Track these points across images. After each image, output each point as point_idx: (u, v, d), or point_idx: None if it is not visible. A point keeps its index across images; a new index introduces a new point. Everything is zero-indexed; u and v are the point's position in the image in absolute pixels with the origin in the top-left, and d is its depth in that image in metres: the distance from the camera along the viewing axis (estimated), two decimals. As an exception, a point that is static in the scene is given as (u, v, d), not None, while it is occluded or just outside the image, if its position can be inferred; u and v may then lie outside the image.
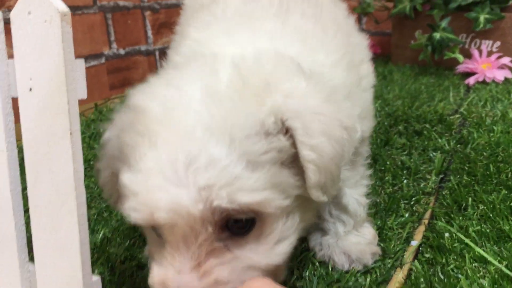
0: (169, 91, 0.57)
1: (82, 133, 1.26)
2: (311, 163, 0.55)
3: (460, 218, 0.84)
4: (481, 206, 0.86)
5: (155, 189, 0.51)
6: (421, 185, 0.96)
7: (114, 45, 1.59)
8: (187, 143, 0.52)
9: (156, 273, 0.56)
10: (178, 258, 0.54)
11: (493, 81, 1.60)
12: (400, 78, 1.74)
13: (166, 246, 0.55)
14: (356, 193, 0.77)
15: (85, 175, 1.05)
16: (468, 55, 1.74)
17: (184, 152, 0.51)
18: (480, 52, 1.72)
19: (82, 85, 0.54)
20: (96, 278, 0.59)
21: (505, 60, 1.65)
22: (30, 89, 0.54)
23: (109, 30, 1.56)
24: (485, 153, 0.99)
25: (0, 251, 0.61)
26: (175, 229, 0.53)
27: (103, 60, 1.54)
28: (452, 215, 0.85)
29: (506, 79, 1.61)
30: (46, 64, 0.52)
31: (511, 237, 0.78)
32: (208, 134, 0.52)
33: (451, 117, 1.11)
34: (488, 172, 0.94)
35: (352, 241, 0.77)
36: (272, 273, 0.58)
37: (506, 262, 0.71)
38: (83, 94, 0.54)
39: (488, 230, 0.79)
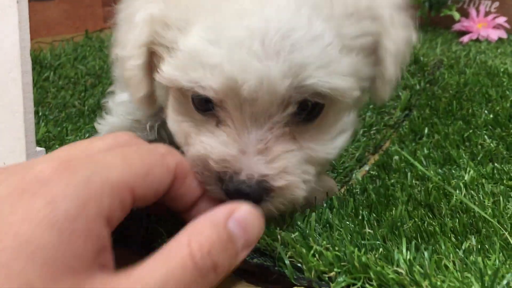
0: None
1: (68, 54, 1.29)
2: (391, 55, 0.54)
3: (413, 144, 0.86)
4: (436, 136, 0.88)
5: (241, 63, 0.46)
6: (385, 119, 0.98)
7: (111, -22, 1.61)
8: (283, 11, 0.47)
9: (216, 150, 0.50)
10: (244, 137, 0.49)
11: (487, 40, 1.59)
12: (395, 33, 1.73)
13: (228, 123, 0.50)
14: None
15: (63, 88, 1.09)
16: (466, 15, 1.72)
17: (279, 22, 0.46)
18: (478, 11, 1.70)
19: (29, -44, 0.56)
20: (40, 149, 0.63)
21: (501, 20, 1.63)
22: (-18, -42, 0.57)
23: (106, -38, 1.57)
24: (451, 91, 1.00)
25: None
26: (247, 105, 0.48)
27: (98, -9, 1.57)
28: (407, 143, 0.87)
29: (500, 38, 1.60)
30: None
31: (457, 162, 0.80)
32: (311, 5, 0.48)
33: (425, 59, 1.12)
34: (450, 107, 0.95)
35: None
36: (322, 169, 0.57)
37: (444, 180, 0.73)
38: (31, -35, 0.56)
39: (436, 156, 0.82)
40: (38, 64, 1.20)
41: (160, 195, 0.42)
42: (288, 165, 0.50)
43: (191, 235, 0.38)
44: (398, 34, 0.55)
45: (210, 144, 0.50)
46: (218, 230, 0.39)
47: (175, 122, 0.57)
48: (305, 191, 0.53)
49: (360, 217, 0.60)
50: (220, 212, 0.40)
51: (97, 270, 0.35)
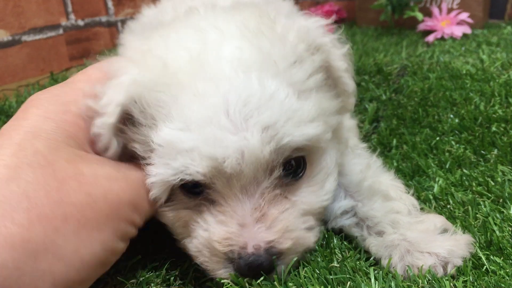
0: (201, 33, 0.53)
1: (34, 100, 1.28)
2: (344, 71, 0.58)
3: (383, 158, 0.86)
4: (405, 147, 0.88)
5: (215, 140, 0.47)
6: (354, 132, 0.98)
7: (72, 16, 1.60)
8: (236, 82, 0.49)
9: (216, 231, 0.50)
10: (239, 211, 0.50)
11: (451, 37, 1.60)
12: (362, 39, 1.74)
13: (220, 202, 0.51)
14: (386, 178, 0.70)
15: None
16: (429, 14, 1.74)
17: (235, 92, 0.48)
18: (440, 9, 1.72)
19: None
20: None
21: (464, 15, 1.65)
22: None
23: (65, 0, 1.56)
24: (416, 99, 1.00)
25: None
26: (234, 180, 0.49)
27: (60, 31, 1.55)
28: (377, 157, 0.87)
29: (464, 34, 1.61)
30: None
31: (426, 172, 0.80)
32: (257, 69, 0.50)
33: (389, 68, 1.12)
34: (416, 116, 0.95)
35: (421, 229, 0.60)
36: (320, 217, 0.58)
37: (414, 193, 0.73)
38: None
39: (405, 167, 0.82)
40: (4, 114, 1.18)
41: None
42: (288, 224, 0.51)
43: None
44: (341, 52, 0.59)
45: (209, 227, 0.51)
46: None
47: (170, 212, 0.55)
48: (315, 236, 0.55)
49: (331, 246, 0.59)
50: None
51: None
